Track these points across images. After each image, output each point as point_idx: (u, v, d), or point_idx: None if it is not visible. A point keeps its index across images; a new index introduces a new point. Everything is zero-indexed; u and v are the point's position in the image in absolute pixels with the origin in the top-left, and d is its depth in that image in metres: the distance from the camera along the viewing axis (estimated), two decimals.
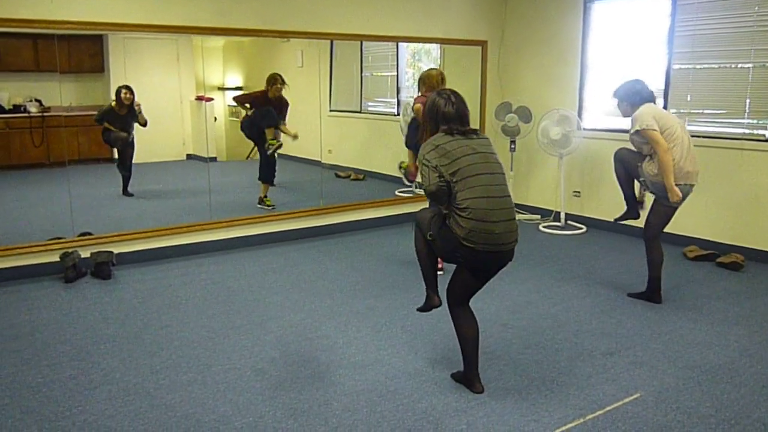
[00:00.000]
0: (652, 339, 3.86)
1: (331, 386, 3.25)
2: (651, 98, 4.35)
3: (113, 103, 6.15)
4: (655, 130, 4.13)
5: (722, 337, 3.89)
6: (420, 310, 3.35)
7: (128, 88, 6.21)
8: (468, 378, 3.23)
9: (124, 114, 6.23)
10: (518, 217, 7.03)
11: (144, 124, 6.28)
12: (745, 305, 4.46)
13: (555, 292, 4.72)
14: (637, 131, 4.22)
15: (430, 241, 3.14)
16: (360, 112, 7.75)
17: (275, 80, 6.57)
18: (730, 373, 3.42)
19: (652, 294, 4.53)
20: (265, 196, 6.61)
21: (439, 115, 3.10)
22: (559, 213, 6.85)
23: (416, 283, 4.86)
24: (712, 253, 5.51)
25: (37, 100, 6.31)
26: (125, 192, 6.51)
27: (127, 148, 6.40)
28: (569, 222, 6.79)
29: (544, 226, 6.78)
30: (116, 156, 6.53)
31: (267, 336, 3.89)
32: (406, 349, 3.71)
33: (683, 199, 4.28)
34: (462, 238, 2.94)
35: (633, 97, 4.33)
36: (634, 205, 4.71)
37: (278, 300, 4.54)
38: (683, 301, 4.54)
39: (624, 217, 4.79)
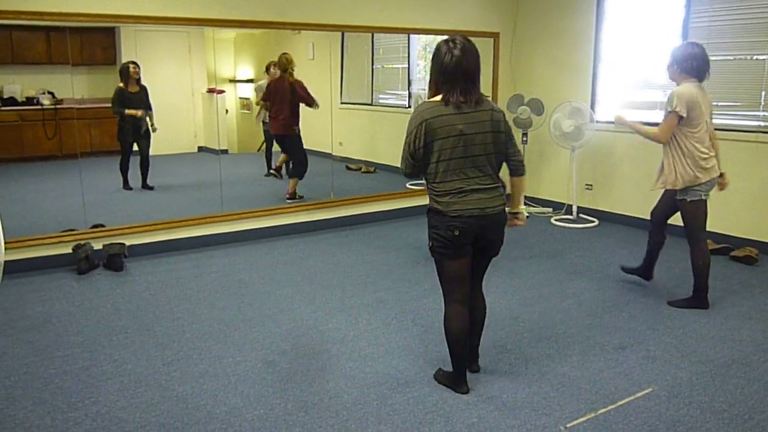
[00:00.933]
0: (665, 333, 3.84)
1: (342, 379, 3.26)
2: (702, 70, 4.07)
3: (121, 84, 6.12)
4: (682, 116, 3.99)
5: (736, 332, 3.86)
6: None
7: (135, 63, 6.18)
8: (455, 377, 3.16)
9: (136, 92, 6.18)
10: (530, 210, 7.01)
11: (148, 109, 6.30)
12: (759, 299, 4.42)
13: (567, 286, 4.69)
14: (669, 113, 4.05)
15: (432, 250, 3.09)
16: (371, 105, 7.73)
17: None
18: (743, 367, 3.39)
19: (698, 300, 4.28)
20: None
21: (439, 66, 2.92)
22: (571, 206, 6.81)
23: (426, 276, 4.86)
24: (725, 247, 5.47)
25: (49, 93, 6.33)
26: (144, 185, 6.47)
27: (142, 140, 6.36)
28: (581, 215, 6.75)
29: (556, 220, 6.74)
30: (121, 147, 6.44)
31: (278, 328, 3.90)
32: (417, 341, 3.70)
33: (707, 192, 4.21)
34: (447, 213, 2.94)
35: (684, 63, 4.06)
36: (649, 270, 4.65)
37: (289, 292, 4.54)
38: None
39: (634, 272, 4.74)
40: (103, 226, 5.33)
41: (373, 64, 7.67)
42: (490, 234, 3.03)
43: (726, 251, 5.44)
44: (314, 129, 6.90)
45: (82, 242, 5.05)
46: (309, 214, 6.29)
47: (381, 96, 7.81)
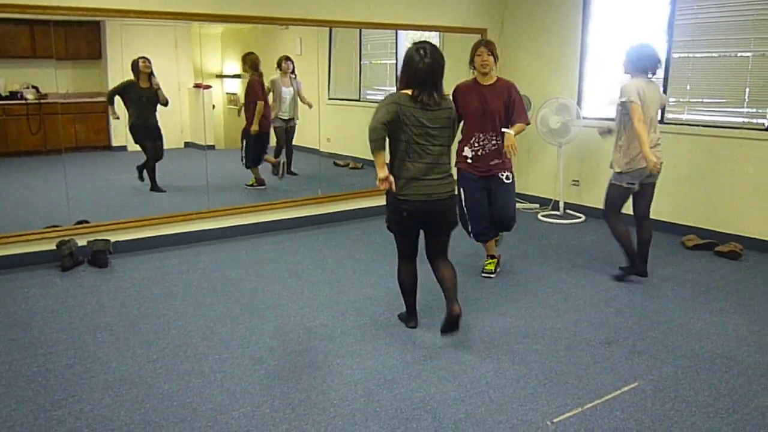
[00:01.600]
0: (650, 328, 3.86)
1: (329, 375, 3.25)
2: (653, 68, 4.50)
3: (132, 78, 6.04)
4: (637, 103, 4.31)
5: (720, 327, 3.89)
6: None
7: (145, 58, 6.09)
8: (407, 317, 3.88)
9: (147, 88, 6.10)
10: (518, 206, 7.01)
11: (165, 104, 6.24)
12: (744, 294, 4.45)
13: (554, 281, 4.71)
14: (622, 102, 4.40)
15: (386, 220, 3.67)
16: (359, 101, 7.70)
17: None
18: (728, 362, 3.42)
19: (634, 268, 4.68)
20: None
21: (412, 71, 3.36)
22: (558, 202, 6.84)
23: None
24: (710, 242, 5.50)
25: (33, 87, 6.26)
26: (154, 187, 6.36)
27: (157, 141, 6.29)
28: (568, 211, 6.78)
29: (542, 215, 6.76)
30: (143, 150, 6.33)
31: (265, 325, 3.88)
32: (404, 338, 3.70)
33: (634, 184, 4.53)
34: (398, 196, 3.43)
35: (637, 63, 4.46)
36: (635, 261, 4.69)
37: (276, 289, 4.53)
38: (682, 290, 4.53)
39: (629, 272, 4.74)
40: (87, 222, 5.28)
41: (361, 60, 7.64)
42: (437, 216, 3.51)
43: (711, 246, 5.48)
44: (302, 125, 6.88)
45: (66, 238, 5.01)
46: (296, 211, 6.27)
47: (369, 92, 7.79)
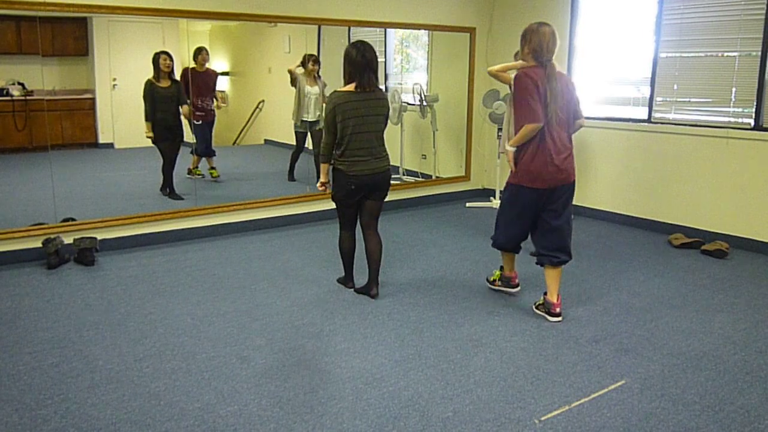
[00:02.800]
0: (637, 326, 3.88)
1: (317, 374, 3.24)
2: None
3: (151, 78, 5.87)
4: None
5: (706, 325, 3.92)
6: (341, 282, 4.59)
7: (168, 53, 5.90)
8: (345, 279, 4.53)
9: (168, 87, 5.94)
10: None
11: (185, 104, 6.19)
12: (730, 293, 4.49)
13: (541, 280, 4.71)
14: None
15: (333, 197, 4.27)
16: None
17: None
18: (714, 360, 3.44)
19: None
20: (196, 168, 6.68)
21: (352, 62, 4.01)
22: None
23: (402, 271, 4.86)
24: (697, 241, 5.54)
25: (19, 84, 6.20)
26: (172, 194, 6.14)
27: (177, 140, 6.11)
28: None
29: None
30: (160, 153, 6.10)
31: (253, 323, 3.87)
32: (392, 336, 3.70)
33: None
34: (346, 173, 4.09)
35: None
36: None
37: (264, 287, 4.51)
38: (668, 288, 4.56)
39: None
40: (74, 219, 5.24)
41: None
42: (377, 188, 4.22)
43: (697, 245, 5.51)
44: (290, 123, 6.85)
45: (52, 236, 4.97)
46: (284, 209, 6.25)
47: None
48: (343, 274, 4.55)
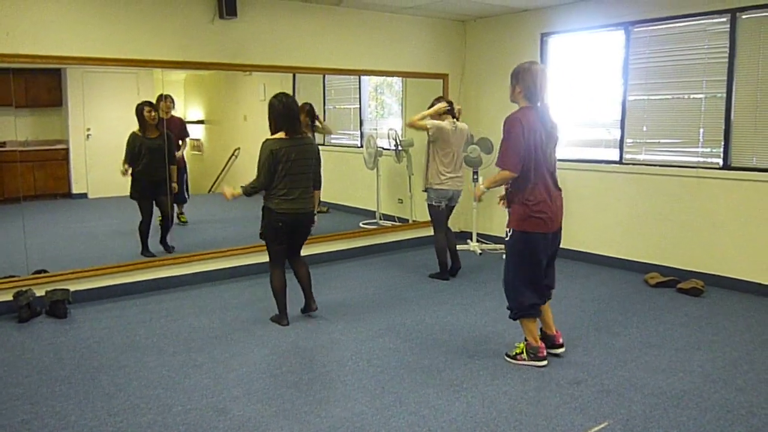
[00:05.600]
0: (617, 366, 3.87)
1: (297, 424, 3.17)
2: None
3: (136, 130, 5.73)
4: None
5: (686, 363, 3.92)
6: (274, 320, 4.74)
7: (151, 104, 5.73)
8: (280, 317, 4.68)
9: (154, 138, 5.75)
10: (483, 247, 7.06)
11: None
12: (707, 330, 4.51)
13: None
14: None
15: (262, 234, 4.60)
16: (323, 145, 7.74)
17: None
18: (695, 398, 3.44)
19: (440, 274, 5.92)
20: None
21: (278, 113, 4.42)
22: None
23: (381, 316, 4.83)
24: (672, 280, 5.59)
25: None
26: (164, 243, 5.97)
27: (161, 195, 5.86)
28: None
29: None
30: (139, 206, 5.86)
31: (229, 374, 3.79)
32: (373, 383, 3.64)
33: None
34: (276, 211, 4.45)
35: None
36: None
37: (241, 336, 4.44)
38: (646, 327, 4.58)
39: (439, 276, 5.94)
40: (46, 271, 5.14)
41: (325, 105, 7.71)
42: (302, 226, 4.62)
43: (673, 284, 5.56)
44: None
45: (24, 289, 4.86)
46: (260, 256, 6.19)
47: (333, 137, 7.83)
48: (277, 312, 4.69)
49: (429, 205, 5.91)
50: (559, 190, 3.87)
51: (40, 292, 4.93)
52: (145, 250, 5.84)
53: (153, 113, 5.78)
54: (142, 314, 4.93)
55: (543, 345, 3.90)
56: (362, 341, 4.31)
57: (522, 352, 3.92)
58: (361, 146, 7.54)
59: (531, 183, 3.71)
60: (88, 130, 6.45)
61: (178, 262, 5.72)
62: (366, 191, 7.64)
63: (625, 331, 4.49)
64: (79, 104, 6.44)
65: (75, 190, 6.52)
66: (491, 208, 7.37)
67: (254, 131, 6.92)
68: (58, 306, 4.84)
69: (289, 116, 4.41)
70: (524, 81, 3.71)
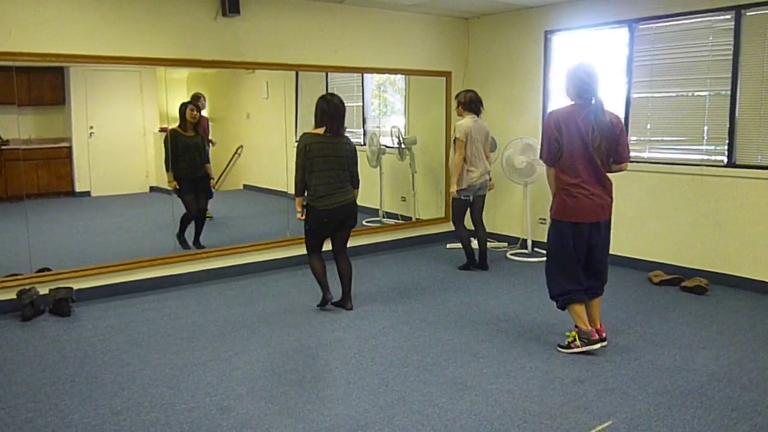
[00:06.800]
0: (621, 365, 3.86)
1: (300, 423, 3.17)
2: (477, 109, 6.01)
3: (176, 126, 5.90)
4: (462, 140, 5.85)
5: (690, 362, 3.91)
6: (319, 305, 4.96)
7: (194, 103, 5.95)
8: (324, 299, 4.93)
9: (192, 136, 5.99)
10: (488, 245, 7.05)
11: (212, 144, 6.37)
12: (711, 329, 4.50)
13: (524, 320, 4.70)
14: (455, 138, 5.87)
15: (306, 230, 4.81)
16: None
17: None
18: (700, 397, 3.43)
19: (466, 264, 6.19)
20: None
21: (323, 111, 4.64)
22: (525, 240, 6.89)
23: (384, 313, 4.83)
24: (676, 278, 5.58)
25: None
26: (197, 242, 6.11)
27: (200, 192, 6.12)
28: (536, 249, 6.82)
29: (511, 254, 6.80)
30: (184, 204, 6.03)
31: (233, 372, 3.79)
32: (376, 381, 3.64)
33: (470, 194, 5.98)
34: (318, 208, 4.63)
35: (469, 105, 6.05)
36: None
37: (244, 334, 4.44)
38: (650, 325, 4.56)
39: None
40: (49, 269, 5.15)
41: None
42: (346, 218, 4.77)
43: (677, 282, 5.55)
44: (269, 168, 6.86)
45: (27, 287, 4.87)
46: (264, 254, 6.21)
47: None
48: (321, 295, 4.93)
49: (453, 198, 6.14)
50: (606, 185, 3.93)
51: (43, 290, 4.94)
52: (182, 238, 5.96)
53: (195, 112, 5.99)
54: (145, 312, 4.93)
55: (594, 329, 4.00)
56: (365, 339, 4.31)
57: (574, 340, 4.02)
58: (364, 144, 7.53)
59: (567, 174, 3.88)
60: (91, 128, 6.45)
61: (181, 260, 5.72)
62: (369, 189, 7.63)
63: (629, 330, 4.48)
64: (82, 102, 6.45)
65: (78, 189, 6.53)
66: (495, 206, 7.36)
67: (257, 129, 6.93)
68: (61, 304, 4.85)
69: (335, 116, 4.62)
70: (571, 80, 3.93)
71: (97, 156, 6.44)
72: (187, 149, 6.02)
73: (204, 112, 6.64)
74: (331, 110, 4.63)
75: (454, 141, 5.90)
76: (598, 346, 3.97)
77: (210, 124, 6.85)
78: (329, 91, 7.67)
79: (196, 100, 6.23)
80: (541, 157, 4.03)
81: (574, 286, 3.97)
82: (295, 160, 4.64)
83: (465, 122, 5.92)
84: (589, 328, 3.97)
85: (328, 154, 4.60)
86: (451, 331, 4.46)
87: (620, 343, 4.23)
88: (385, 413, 3.26)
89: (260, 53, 5.95)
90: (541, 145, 3.98)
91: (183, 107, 6.00)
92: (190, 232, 6.07)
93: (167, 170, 5.94)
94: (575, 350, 4.00)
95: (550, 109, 4.09)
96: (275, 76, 6.62)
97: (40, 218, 5.61)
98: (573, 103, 3.92)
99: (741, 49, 5.32)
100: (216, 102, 7.65)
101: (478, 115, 6.03)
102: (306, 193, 4.69)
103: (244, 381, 3.66)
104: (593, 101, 3.83)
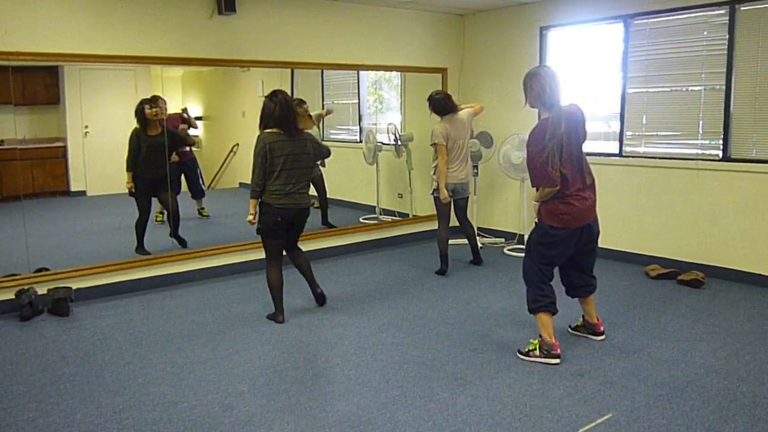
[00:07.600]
0: (620, 358, 3.89)
1: (303, 420, 3.18)
2: (445, 111, 5.81)
3: (137, 126, 5.71)
4: (442, 144, 5.73)
5: (688, 354, 3.94)
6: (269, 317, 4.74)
7: (150, 101, 5.70)
8: (276, 314, 4.66)
9: (155, 136, 5.76)
10: (483, 241, 7.07)
11: (192, 144, 6.27)
12: (708, 322, 4.53)
13: (522, 315, 4.71)
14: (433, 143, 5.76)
15: (259, 230, 4.60)
16: (322, 140, 7.73)
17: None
18: (698, 389, 3.45)
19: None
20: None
21: (270, 113, 4.44)
22: (522, 236, 6.91)
23: (383, 310, 4.84)
24: (673, 271, 5.61)
25: None
26: (176, 235, 5.99)
27: (163, 192, 5.90)
28: None
29: (508, 249, 6.82)
30: (137, 204, 5.87)
31: (234, 369, 3.80)
32: (377, 377, 3.65)
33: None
34: (274, 205, 4.47)
35: (437, 107, 5.87)
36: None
37: (245, 332, 4.45)
38: (648, 319, 4.59)
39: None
40: (47, 269, 5.14)
41: (323, 100, 7.70)
42: (296, 221, 4.67)
43: (674, 275, 5.58)
44: None
45: (25, 287, 4.86)
46: (261, 252, 6.19)
47: (332, 131, 7.83)
48: (273, 310, 4.68)
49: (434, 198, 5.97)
50: (590, 187, 3.85)
51: (41, 290, 4.93)
52: (140, 248, 5.81)
53: (155, 110, 5.78)
54: (145, 311, 4.93)
55: (557, 343, 3.86)
56: (366, 336, 4.32)
57: (535, 349, 3.89)
58: (361, 141, 7.53)
59: (562, 185, 3.71)
60: (86, 127, 6.44)
61: (179, 259, 5.72)
62: (366, 186, 7.64)
63: (627, 323, 4.51)
64: (77, 102, 6.43)
65: (73, 188, 6.51)
66: (491, 202, 7.38)
67: (253, 127, 6.82)
68: (60, 304, 4.84)
69: (285, 117, 4.42)
70: (533, 87, 3.73)
71: (93, 155, 6.42)
72: (151, 149, 5.79)
73: (172, 111, 6.49)
74: (277, 112, 4.41)
75: (433, 145, 5.75)
76: (557, 361, 3.80)
77: (190, 122, 6.79)
78: (325, 88, 7.71)
79: (154, 100, 5.94)
80: (540, 183, 3.72)
81: (548, 294, 3.91)
82: (253, 161, 4.46)
83: (441, 125, 5.73)
84: (554, 340, 3.83)
85: (289, 153, 4.45)
86: (450, 327, 4.48)
87: (618, 337, 4.26)
88: (386, 409, 3.27)
89: (256, 51, 5.94)
90: (534, 170, 3.71)
91: (140, 106, 5.77)
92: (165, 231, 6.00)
93: (127, 170, 5.79)
94: (533, 359, 3.86)
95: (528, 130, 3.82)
96: (271, 74, 6.62)
97: (36, 218, 5.60)
98: (543, 116, 3.73)
99: (735, 43, 5.35)
100: (211, 100, 7.65)
101: (454, 112, 5.79)
102: (265, 189, 4.52)
103: (246, 378, 3.67)
104: (556, 107, 3.67)
